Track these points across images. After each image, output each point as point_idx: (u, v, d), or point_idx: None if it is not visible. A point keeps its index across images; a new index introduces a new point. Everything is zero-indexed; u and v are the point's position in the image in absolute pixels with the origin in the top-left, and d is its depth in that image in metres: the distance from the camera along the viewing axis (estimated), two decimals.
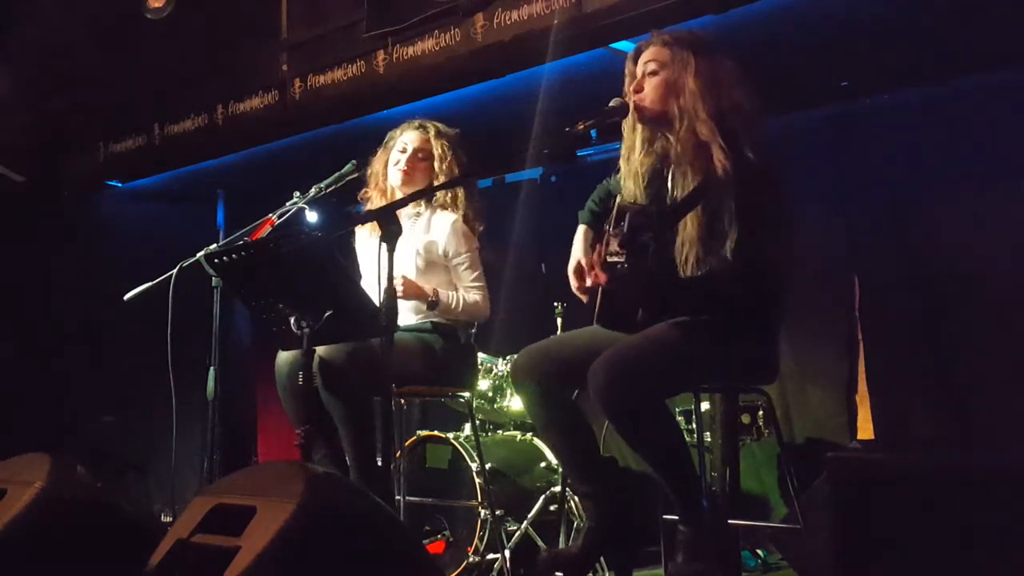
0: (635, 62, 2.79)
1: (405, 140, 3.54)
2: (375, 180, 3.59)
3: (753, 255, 2.50)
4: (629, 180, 2.80)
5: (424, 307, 3.37)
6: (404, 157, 3.50)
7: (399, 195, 3.50)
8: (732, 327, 2.61)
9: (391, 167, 3.53)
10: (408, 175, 3.48)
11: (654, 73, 2.72)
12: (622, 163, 2.85)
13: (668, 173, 2.75)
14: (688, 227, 2.59)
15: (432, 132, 3.53)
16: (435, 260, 3.46)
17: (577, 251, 2.89)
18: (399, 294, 3.19)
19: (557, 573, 2.71)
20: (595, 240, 2.86)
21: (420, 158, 3.50)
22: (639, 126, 2.80)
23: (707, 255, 2.55)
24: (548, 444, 3.83)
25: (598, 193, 3.00)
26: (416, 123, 3.58)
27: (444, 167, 3.48)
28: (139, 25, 4.82)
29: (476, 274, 3.47)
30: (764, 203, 2.54)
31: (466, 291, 3.45)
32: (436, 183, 3.47)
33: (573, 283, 2.84)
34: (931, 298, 3.89)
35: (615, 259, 2.59)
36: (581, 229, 2.95)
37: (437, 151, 3.50)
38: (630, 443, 2.62)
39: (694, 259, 2.57)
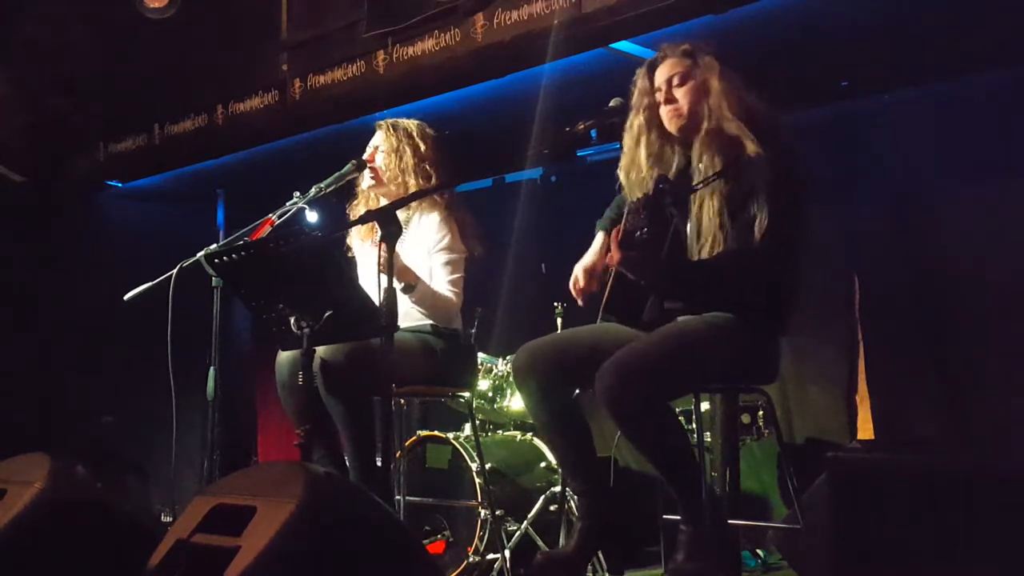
0: (650, 78, 2.80)
1: (371, 143, 3.55)
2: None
3: (777, 237, 2.51)
4: (637, 190, 2.80)
5: (415, 306, 3.35)
6: (367, 154, 3.51)
7: (368, 195, 3.54)
8: (738, 327, 2.61)
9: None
10: (373, 170, 3.48)
11: (682, 82, 2.74)
12: (623, 175, 2.85)
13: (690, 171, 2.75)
14: (708, 213, 2.59)
15: (385, 126, 3.54)
16: (420, 266, 3.40)
17: (589, 254, 2.89)
18: None
19: (553, 573, 2.71)
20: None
21: (381, 150, 3.51)
22: (643, 138, 2.81)
23: (728, 240, 2.55)
24: (546, 441, 3.84)
25: (615, 203, 3.00)
26: (377, 123, 3.59)
27: (396, 160, 3.46)
28: (139, 25, 4.82)
29: (455, 277, 3.40)
30: (792, 187, 2.58)
31: (442, 288, 3.39)
32: (386, 175, 3.46)
33: (577, 282, 2.83)
34: (931, 298, 3.89)
35: (633, 227, 2.52)
36: (599, 236, 2.95)
37: (389, 143, 3.49)
38: (637, 445, 2.62)
39: (711, 245, 2.57)
